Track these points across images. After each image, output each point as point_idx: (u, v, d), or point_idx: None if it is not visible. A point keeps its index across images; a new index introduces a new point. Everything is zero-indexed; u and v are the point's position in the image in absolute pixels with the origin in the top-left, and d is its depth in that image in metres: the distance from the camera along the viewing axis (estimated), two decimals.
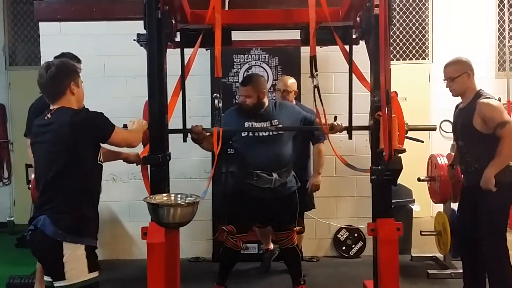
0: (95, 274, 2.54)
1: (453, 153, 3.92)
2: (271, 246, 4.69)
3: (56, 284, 2.50)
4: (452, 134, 3.84)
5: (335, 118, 3.36)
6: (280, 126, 3.68)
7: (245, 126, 3.70)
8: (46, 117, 2.59)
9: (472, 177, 3.31)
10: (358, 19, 3.24)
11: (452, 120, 3.76)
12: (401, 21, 6.48)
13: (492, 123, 3.27)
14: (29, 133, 3.66)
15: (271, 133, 3.68)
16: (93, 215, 2.64)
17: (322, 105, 3.13)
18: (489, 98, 3.34)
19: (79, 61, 3.87)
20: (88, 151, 2.56)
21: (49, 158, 2.53)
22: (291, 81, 4.41)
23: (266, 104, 3.75)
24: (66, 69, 2.64)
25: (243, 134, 3.72)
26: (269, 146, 3.67)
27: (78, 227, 2.50)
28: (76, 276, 2.46)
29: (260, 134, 3.69)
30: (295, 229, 3.89)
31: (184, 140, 3.35)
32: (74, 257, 2.46)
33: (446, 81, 3.45)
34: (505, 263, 3.32)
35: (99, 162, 2.64)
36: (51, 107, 2.62)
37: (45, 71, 2.59)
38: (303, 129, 3.91)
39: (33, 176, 3.83)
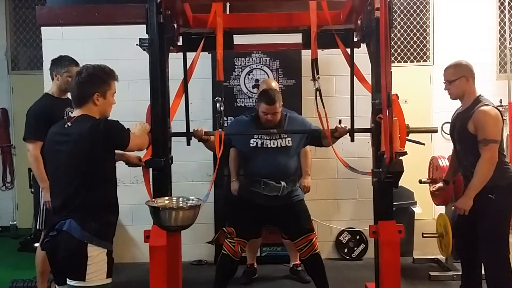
0: (110, 280, 2.56)
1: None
2: (255, 263, 4.58)
3: (72, 282, 2.47)
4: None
5: (340, 121, 3.35)
6: (286, 136, 3.65)
7: (254, 137, 3.65)
8: (66, 125, 2.53)
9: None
10: (359, 22, 3.26)
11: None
12: (402, 23, 6.49)
13: (480, 134, 3.21)
14: (30, 137, 3.65)
15: (279, 145, 3.64)
16: (114, 220, 2.68)
17: (324, 108, 3.14)
18: (488, 105, 3.26)
19: (77, 65, 3.72)
20: (107, 160, 2.59)
21: (70, 170, 2.50)
22: (275, 83, 4.34)
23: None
24: (95, 78, 2.58)
25: (251, 145, 3.66)
26: (277, 156, 3.64)
27: (103, 232, 2.54)
28: (95, 280, 2.47)
29: (268, 146, 3.64)
30: (314, 232, 3.71)
31: (188, 144, 3.35)
32: (97, 261, 2.48)
33: (445, 84, 3.45)
34: (504, 268, 3.30)
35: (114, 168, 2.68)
36: (72, 114, 2.59)
37: (76, 75, 2.59)
38: (306, 132, 3.92)
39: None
